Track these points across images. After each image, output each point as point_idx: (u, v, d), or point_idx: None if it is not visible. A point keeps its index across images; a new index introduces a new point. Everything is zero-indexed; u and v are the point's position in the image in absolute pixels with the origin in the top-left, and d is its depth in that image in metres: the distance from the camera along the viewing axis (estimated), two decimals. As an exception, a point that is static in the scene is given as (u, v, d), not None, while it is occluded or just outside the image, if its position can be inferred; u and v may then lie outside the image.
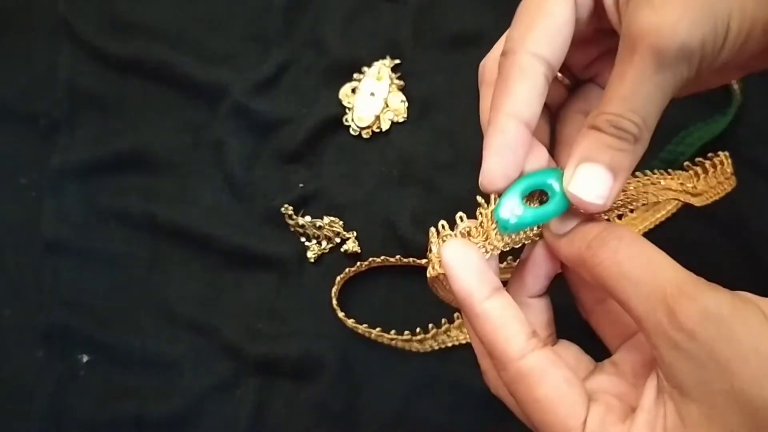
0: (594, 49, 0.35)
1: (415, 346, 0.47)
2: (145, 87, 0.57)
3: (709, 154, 0.39)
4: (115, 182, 0.55)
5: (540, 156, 0.32)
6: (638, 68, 0.29)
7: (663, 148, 0.49)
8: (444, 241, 0.31)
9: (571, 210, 0.31)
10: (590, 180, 0.30)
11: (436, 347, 0.48)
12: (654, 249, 0.29)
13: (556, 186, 0.31)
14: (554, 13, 0.31)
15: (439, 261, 0.31)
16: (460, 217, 0.32)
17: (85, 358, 0.51)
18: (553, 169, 0.32)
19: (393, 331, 0.45)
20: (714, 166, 0.39)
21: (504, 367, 0.29)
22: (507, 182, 0.31)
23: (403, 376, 0.49)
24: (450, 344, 0.48)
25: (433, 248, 0.32)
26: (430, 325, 0.46)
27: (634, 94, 0.29)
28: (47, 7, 0.59)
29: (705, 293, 0.26)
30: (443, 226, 0.32)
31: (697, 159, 0.39)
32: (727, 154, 0.40)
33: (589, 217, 0.31)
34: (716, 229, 0.48)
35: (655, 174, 0.37)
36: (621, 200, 0.34)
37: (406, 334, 0.46)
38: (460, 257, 0.30)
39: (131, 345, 0.51)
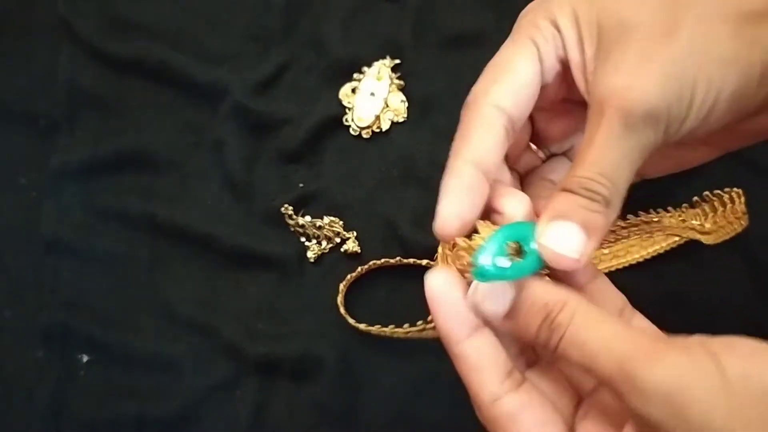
0: (567, 122, 0.36)
1: (430, 333, 0.46)
2: (145, 87, 0.57)
3: (725, 190, 0.39)
4: (115, 182, 0.55)
5: (522, 202, 0.32)
6: (605, 131, 0.29)
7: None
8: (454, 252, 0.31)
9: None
10: (564, 236, 0.30)
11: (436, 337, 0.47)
12: (611, 322, 0.28)
13: (534, 244, 0.30)
14: (518, 70, 0.32)
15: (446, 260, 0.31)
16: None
17: (85, 358, 0.51)
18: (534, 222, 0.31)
19: (406, 324, 0.45)
20: (724, 204, 0.39)
21: (479, 409, 0.30)
22: (461, 225, 0.31)
23: (403, 376, 0.49)
24: None
25: (444, 249, 0.32)
26: (430, 317, 0.46)
27: (602, 157, 0.30)
28: (47, 7, 0.59)
29: (655, 365, 0.26)
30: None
31: (706, 194, 0.38)
32: (740, 191, 0.39)
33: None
34: (716, 229, 0.48)
35: (653, 213, 0.37)
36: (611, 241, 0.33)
37: (419, 324, 0.45)
38: (442, 291, 0.30)
39: (131, 345, 0.51)
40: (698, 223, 0.39)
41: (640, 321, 0.32)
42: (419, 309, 0.48)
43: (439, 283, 0.30)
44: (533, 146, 0.37)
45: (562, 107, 0.35)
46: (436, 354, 0.48)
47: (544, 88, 0.33)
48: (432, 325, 0.45)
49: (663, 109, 0.29)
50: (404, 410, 0.48)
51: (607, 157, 0.30)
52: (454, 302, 0.30)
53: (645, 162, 0.32)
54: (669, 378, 0.25)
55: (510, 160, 0.35)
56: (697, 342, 0.26)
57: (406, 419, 0.48)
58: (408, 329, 0.45)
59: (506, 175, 0.35)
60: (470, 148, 0.32)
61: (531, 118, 0.35)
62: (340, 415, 0.48)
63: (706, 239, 0.37)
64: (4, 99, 0.58)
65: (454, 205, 0.31)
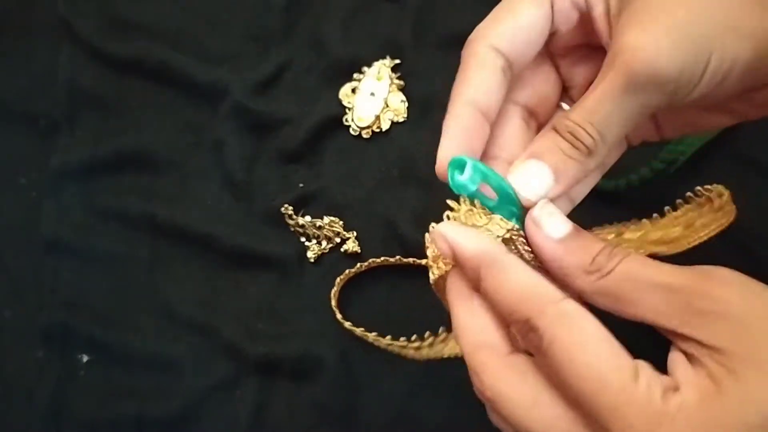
0: (590, 68, 0.35)
1: (411, 353, 0.46)
2: (145, 87, 0.57)
3: (706, 188, 0.39)
4: (115, 182, 0.55)
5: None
6: (608, 84, 0.29)
7: (663, 148, 0.49)
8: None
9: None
10: (532, 176, 0.31)
11: (432, 356, 0.46)
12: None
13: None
14: (521, 13, 0.32)
15: (439, 262, 0.31)
16: (447, 216, 0.32)
17: (85, 358, 0.51)
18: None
19: (389, 336, 0.45)
20: (711, 201, 0.39)
21: (541, 312, 0.28)
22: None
23: (403, 376, 0.49)
24: (447, 355, 0.46)
25: (429, 252, 0.32)
26: (427, 333, 0.46)
27: (597, 108, 0.30)
28: (47, 7, 0.59)
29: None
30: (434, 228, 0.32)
31: (688, 194, 0.39)
32: (721, 187, 0.39)
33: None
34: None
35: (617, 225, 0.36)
36: None
37: (402, 340, 0.45)
38: (461, 230, 0.30)
39: (131, 345, 0.51)
40: (658, 236, 0.39)
41: None
42: (419, 309, 0.48)
43: (455, 226, 0.30)
44: (564, 105, 0.36)
45: (583, 53, 0.34)
46: (436, 354, 0.48)
47: (556, 33, 0.33)
48: (415, 345, 0.45)
49: (673, 73, 0.29)
50: (404, 410, 0.48)
51: (602, 108, 0.29)
52: (477, 233, 0.30)
53: (656, 122, 0.33)
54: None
55: (540, 117, 0.35)
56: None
57: (406, 419, 0.48)
58: (390, 341, 0.45)
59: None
60: (467, 89, 0.32)
61: (558, 70, 0.35)
62: (340, 415, 0.48)
63: (663, 250, 0.37)
64: (4, 99, 0.58)
65: (453, 146, 0.32)
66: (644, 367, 0.27)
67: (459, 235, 0.30)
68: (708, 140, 0.49)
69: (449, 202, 0.32)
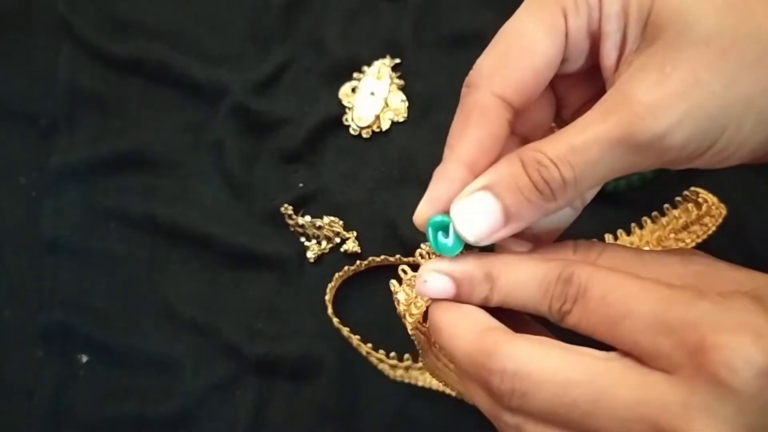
0: (588, 90, 0.31)
1: (386, 369, 0.45)
2: (145, 87, 0.57)
3: (692, 190, 0.39)
4: (115, 182, 0.55)
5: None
6: (602, 131, 0.26)
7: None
8: (408, 286, 0.32)
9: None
10: (476, 211, 0.28)
11: (405, 379, 0.45)
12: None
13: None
14: (533, 50, 0.28)
15: (411, 307, 0.32)
16: (404, 270, 0.33)
17: (84, 358, 0.51)
18: None
19: (370, 345, 0.45)
20: (699, 206, 0.39)
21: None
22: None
23: (403, 376, 0.49)
24: (419, 383, 0.45)
25: (399, 297, 0.32)
26: (407, 355, 0.46)
27: (582, 149, 0.26)
28: (47, 7, 0.59)
29: None
30: (404, 271, 0.33)
31: (678, 199, 0.38)
32: (702, 193, 0.39)
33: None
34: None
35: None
36: None
37: (380, 353, 0.45)
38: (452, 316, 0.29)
39: (131, 345, 0.51)
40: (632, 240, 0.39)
41: None
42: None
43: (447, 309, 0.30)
44: (554, 125, 0.33)
45: (584, 75, 0.30)
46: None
47: (563, 62, 0.29)
48: (392, 362, 0.45)
49: (677, 144, 0.25)
50: (404, 410, 0.48)
51: (588, 153, 0.26)
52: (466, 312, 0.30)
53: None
54: None
55: (530, 140, 0.32)
56: None
57: (406, 419, 0.48)
58: (369, 350, 0.45)
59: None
60: (464, 146, 0.29)
61: (554, 90, 0.31)
62: (340, 415, 0.48)
63: None
64: (4, 99, 0.58)
65: (434, 207, 0.30)
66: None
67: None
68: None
69: (402, 268, 0.33)
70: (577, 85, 0.31)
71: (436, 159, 0.53)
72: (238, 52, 0.57)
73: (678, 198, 0.40)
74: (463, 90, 0.30)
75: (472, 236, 0.28)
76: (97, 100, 0.57)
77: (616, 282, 0.25)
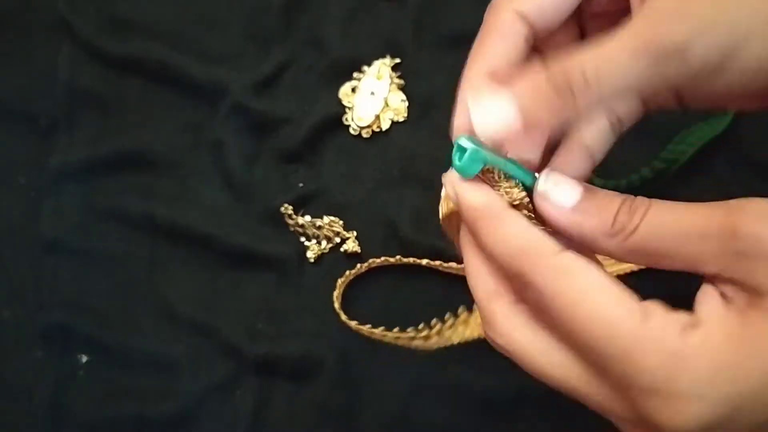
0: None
1: (419, 344, 0.45)
2: (144, 87, 0.57)
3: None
4: (115, 182, 0.55)
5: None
6: (631, 38, 0.26)
7: (663, 148, 0.49)
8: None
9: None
10: (492, 108, 0.28)
11: (441, 344, 0.45)
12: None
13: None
14: None
15: (449, 200, 0.30)
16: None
17: (84, 358, 0.51)
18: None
19: (396, 329, 0.45)
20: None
21: (537, 265, 0.26)
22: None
23: (403, 376, 0.49)
24: (456, 341, 0.44)
25: (443, 192, 0.31)
26: (434, 320, 0.45)
27: (608, 54, 0.26)
28: (47, 7, 0.59)
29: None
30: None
31: None
32: None
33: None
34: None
35: None
36: None
37: (410, 331, 0.45)
38: (467, 183, 0.29)
39: (131, 345, 0.51)
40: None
41: None
42: (419, 308, 0.48)
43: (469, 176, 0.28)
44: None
45: (614, 19, 0.30)
46: (436, 355, 0.48)
47: None
48: (423, 334, 0.44)
49: (698, 53, 0.26)
50: (404, 410, 0.48)
51: (608, 56, 0.26)
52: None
53: (676, 92, 0.30)
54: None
55: None
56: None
57: (406, 419, 0.48)
58: (398, 334, 0.44)
59: None
60: (484, 58, 0.30)
61: (582, 34, 0.32)
62: (340, 415, 0.48)
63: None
64: (4, 99, 0.58)
65: (464, 119, 0.29)
66: (655, 307, 0.26)
67: (463, 185, 0.29)
68: (708, 140, 0.49)
69: None
70: (605, 27, 0.31)
71: (436, 159, 0.53)
72: (238, 52, 0.57)
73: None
74: (486, 12, 0.31)
75: (484, 134, 0.28)
76: (97, 100, 0.57)
77: None
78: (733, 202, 0.26)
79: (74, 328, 0.51)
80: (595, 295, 0.25)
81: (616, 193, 0.28)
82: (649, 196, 0.29)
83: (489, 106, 0.28)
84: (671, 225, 0.26)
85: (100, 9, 0.59)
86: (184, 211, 0.53)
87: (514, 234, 0.27)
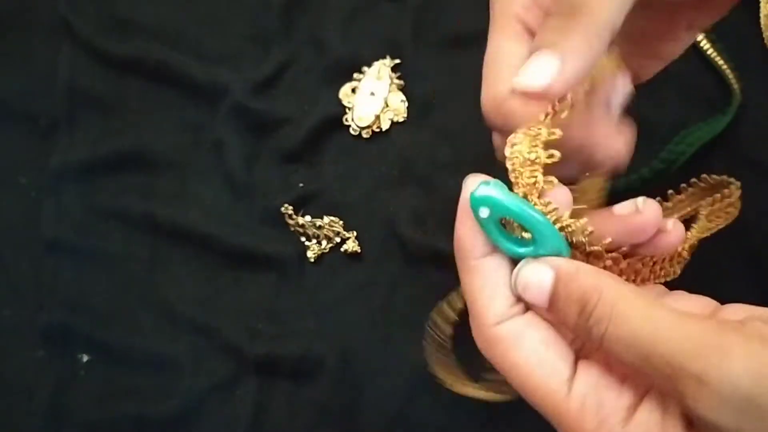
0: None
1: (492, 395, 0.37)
2: (145, 87, 0.57)
3: (714, 177, 0.38)
4: (115, 182, 0.55)
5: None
6: None
7: (663, 148, 0.49)
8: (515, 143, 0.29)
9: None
10: (537, 67, 0.28)
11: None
12: (659, 312, 0.25)
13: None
14: None
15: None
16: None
17: (85, 358, 0.51)
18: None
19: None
20: (721, 194, 0.38)
21: (479, 330, 0.28)
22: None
23: (403, 376, 0.49)
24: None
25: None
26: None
27: None
28: (47, 7, 0.59)
29: (727, 364, 0.23)
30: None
31: (704, 176, 0.37)
32: (734, 183, 0.38)
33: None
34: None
35: None
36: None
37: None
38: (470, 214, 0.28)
39: (131, 345, 0.51)
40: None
41: (681, 300, 0.30)
42: (420, 308, 0.48)
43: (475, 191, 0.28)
44: None
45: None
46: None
47: None
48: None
49: None
50: (404, 410, 0.48)
51: None
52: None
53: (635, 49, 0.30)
54: (747, 377, 0.22)
55: None
56: (757, 322, 0.24)
57: (406, 419, 0.48)
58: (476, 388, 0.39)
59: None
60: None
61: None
62: (340, 415, 0.48)
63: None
64: (4, 99, 0.58)
65: (498, 83, 0.30)
66: (585, 376, 0.26)
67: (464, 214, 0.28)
68: (708, 140, 0.49)
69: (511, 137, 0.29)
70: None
71: (436, 159, 0.53)
72: (238, 52, 0.57)
73: (694, 180, 0.38)
74: None
75: (545, 80, 0.28)
76: (97, 100, 0.57)
77: None
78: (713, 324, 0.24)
79: (74, 328, 0.51)
80: (530, 357, 0.27)
81: (579, 292, 0.27)
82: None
83: (536, 64, 0.28)
84: (634, 340, 0.25)
85: (100, 9, 0.59)
86: (184, 211, 0.53)
87: (473, 287, 0.28)
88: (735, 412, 0.22)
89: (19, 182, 0.56)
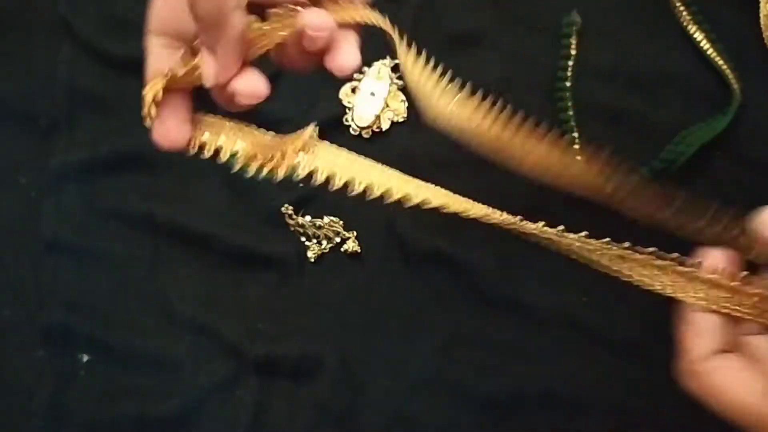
0: None
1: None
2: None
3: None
4: (115, 182, 0.55)
5: None
6: None
7: (663, 148, 0.49)
8: None
9: None
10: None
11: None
12: None
13: None
14: None
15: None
16: None
17: (85, 358, 0.51)
18: None
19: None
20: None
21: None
22: None
23: (403, 376, 0.49)
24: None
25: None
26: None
27: None
28: (47, 7, 0.59)
29: None
30: None
31: None
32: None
33: None
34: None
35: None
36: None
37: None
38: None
39: (131, 345, 0.51)
40: None
41: None
42: (420, 307, 0.48)
43: None
44: None
45: None
46: (436, 354, 0.48)
47: None
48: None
49: None
50: (404, 410, 0.48)
51: None
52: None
53: None
54: None
55: None
56: None
57: (406, 419, 0.48)
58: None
59: None
60: None
61: None
62: (340, 415, 0.48)
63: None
64: (4, 99, 0.58)
65: None
66: None
67: None
68: (708, 140, 0.49)
69: None
70: None
71: (436, 159, 0.53)
72: (238, 52, 0.57)
73: None
74: None
75: None
76: (97, 100, 0.57)
77: None
78: None
79: (74, 328, 0.51)
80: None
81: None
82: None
83: None
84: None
85: (100, 9, 0.59)
86: (185, 211, 0.53)
87: None
88: None
89: (19, 182, 0.56)
